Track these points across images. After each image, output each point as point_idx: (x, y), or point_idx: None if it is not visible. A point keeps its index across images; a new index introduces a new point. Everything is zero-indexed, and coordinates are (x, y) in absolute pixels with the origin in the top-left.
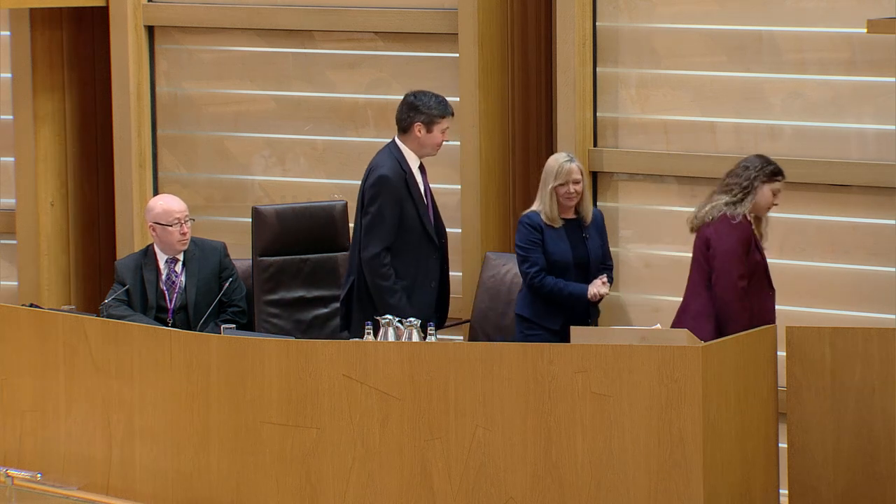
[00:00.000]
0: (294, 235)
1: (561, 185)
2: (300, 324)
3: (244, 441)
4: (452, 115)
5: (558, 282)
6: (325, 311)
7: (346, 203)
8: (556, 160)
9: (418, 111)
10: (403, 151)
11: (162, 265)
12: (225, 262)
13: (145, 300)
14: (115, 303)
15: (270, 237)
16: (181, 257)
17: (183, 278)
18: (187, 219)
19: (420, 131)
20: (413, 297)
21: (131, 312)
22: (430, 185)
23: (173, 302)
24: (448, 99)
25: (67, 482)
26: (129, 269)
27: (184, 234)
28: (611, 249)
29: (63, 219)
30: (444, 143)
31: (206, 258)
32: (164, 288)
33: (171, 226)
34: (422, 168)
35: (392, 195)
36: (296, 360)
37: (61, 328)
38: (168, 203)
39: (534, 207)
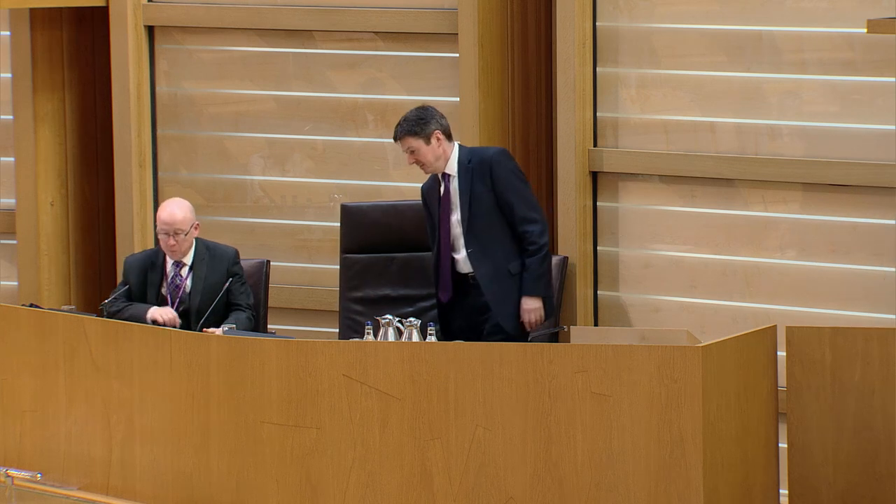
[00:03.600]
0: (381, 233)
1: None
2: None
3: (244, 441)
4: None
5: None
6: (411, 309)
7: None
8: None
9: None
10: None
11: (169, 267)
12: (233, 269)
13: (147, 301)
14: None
15: (357, 235)
16: (189, 261)
17: (188, 282)
18: (176, 231)
19: None
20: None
21: (129, 303)
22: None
23: (176, 305)
24: (448, 99)
25: (67, 482)
26: (135, 268)
27: (170, 245)
28: (610, 249)
29: (63, 219)
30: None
31: (214, 264)
32: (168, 292)
33: (161, 233)
34: (445, 177)
35: (424, 205)
36: (296, 360)
37: (61, 328)
38: (165, 212)
39: None
